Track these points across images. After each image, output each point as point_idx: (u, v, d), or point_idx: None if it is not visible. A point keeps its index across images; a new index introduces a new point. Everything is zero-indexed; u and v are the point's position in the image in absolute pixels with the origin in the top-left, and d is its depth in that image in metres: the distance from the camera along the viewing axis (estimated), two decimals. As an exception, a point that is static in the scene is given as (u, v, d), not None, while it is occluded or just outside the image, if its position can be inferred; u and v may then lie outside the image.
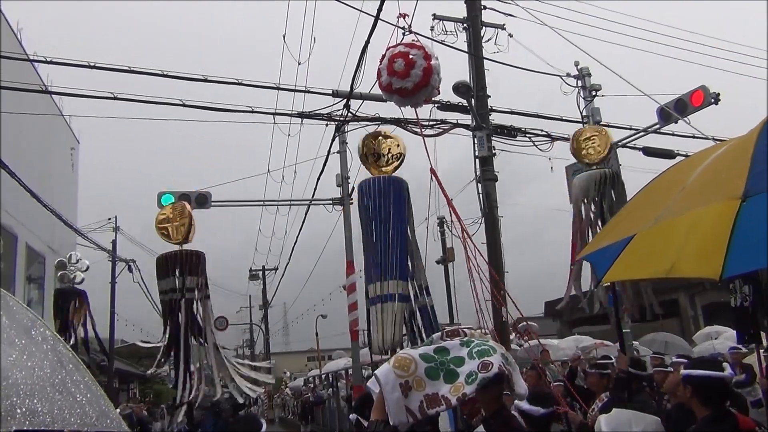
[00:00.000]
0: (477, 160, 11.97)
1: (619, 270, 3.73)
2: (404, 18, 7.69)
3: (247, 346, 61.77)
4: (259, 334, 48.83)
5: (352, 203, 18.02)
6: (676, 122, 12.29)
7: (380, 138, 6.42)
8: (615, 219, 4.01)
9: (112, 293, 27.82)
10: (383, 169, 6.31)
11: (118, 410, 2.19)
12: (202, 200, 14.98)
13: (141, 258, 27.77)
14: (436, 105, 12.66)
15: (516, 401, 4.09)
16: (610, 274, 3.80)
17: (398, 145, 6.39)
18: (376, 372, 3.67)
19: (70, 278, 9.66)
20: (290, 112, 14.21)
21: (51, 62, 11.59)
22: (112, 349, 26.83)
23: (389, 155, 6.32)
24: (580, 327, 27.66)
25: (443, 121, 13.29)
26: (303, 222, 20.32)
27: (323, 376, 29.42)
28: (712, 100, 11.73)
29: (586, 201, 6.65)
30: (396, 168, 6.32)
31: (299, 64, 14.99)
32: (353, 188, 18.18)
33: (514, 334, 11.61)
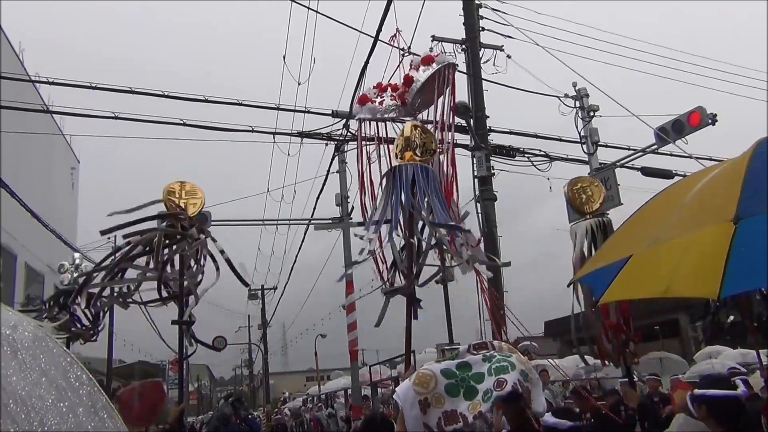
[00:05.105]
0: (476, 180, 12.02)
1: (616, 291, 3.74)
2: (399, 34, 7.86)
3: (246, 365, 61.43)
4: (258, 353, 48.63)
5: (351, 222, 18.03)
6: (675, 142, 12.36)
7: (421, 129, 6.28)
8: (610, 241, 4.03)
9: (111, 313, 27.67)
10: (417, 158, 6.13)
11: None
12: (202, 219, 14.94)
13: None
14: (431, 125, 12.74)
15: (542, 418, 4.05)
16: (608, 294, 3.81)
17: (433, 143, 6.32)
18: (396, 389, 3.73)
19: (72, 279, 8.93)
20: (290, 132, 14.28)
21: (52, 83, 11.68)
22: (110, 368, 26.71)
23: (424, 148, 6.30)
24: (581, 347, 27.55)
25: (441, 142, 13.35)
26: (302, 241, 20.33)
27: (323, 396, 29.27)
28: (710, 121, 11.80)
29: (583, 245, 6.70)
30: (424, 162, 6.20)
31: (299, 84, 15.08)
32: (352, 207, 18.19)
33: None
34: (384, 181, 6.28)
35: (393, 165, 6.26)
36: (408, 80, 6.90)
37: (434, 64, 6.93)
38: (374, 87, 7.22)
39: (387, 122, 7.08)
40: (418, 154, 6.16)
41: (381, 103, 7.02)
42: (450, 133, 7.01)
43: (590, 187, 6.86)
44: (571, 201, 6.89)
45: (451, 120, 7.21)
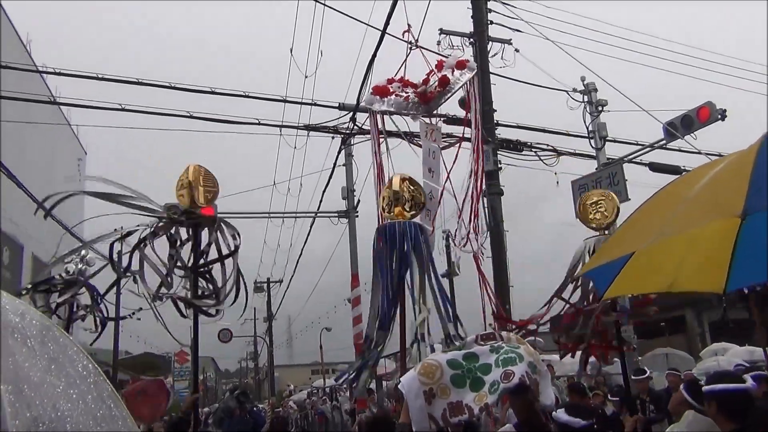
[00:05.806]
0: (483, 174, 11.97)
1: (621, 285, 3.70)
2: (410, 30, 7.88)
3: (251, 358, 61.62)
4: (263, 346, 48.74)
5: (357, 216, 18.03)
6: (683, 138, 12.26)
7: (409, 182, 6.15)
8: (615, 236, 3.99)
9: (117, 304, 27.73)
10: (407, 214, 6.04)
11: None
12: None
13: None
14: (442, 119, 12.72)
15: (555, 413, 4.01)
16: (612, 289, 3.76)
17: (422, 195, 6.22)
18: (401, 379, 3.67)
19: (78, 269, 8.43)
20: (297, 125, 14.24)
21: (59, 74, 11.67)
22: (116, 359, 26.80)
23: (413, 202, 6.17)
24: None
25: (449, 135, 13.32)
26: (308, 234, 20.35)
27: (327, 389, 29.32)
28: (719, 116, 11.69)
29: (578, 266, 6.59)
30: (413, 217, 6.11)
31: (306, 77, 15.05)
32: (358, 201, 18.19)
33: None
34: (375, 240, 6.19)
35: (381, 222, 6.16)
36: (444, 81, 6.91)
37: (467, 70, 6.98)
38: (398, 81, 7.20)
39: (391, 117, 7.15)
40: (407, 209, 6.08)
41: (407, 98, 7.00)
42: (458, 132, 7.18)
43: (604, 202, 6.65)
44: (582, 218, 6.71)
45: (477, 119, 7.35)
